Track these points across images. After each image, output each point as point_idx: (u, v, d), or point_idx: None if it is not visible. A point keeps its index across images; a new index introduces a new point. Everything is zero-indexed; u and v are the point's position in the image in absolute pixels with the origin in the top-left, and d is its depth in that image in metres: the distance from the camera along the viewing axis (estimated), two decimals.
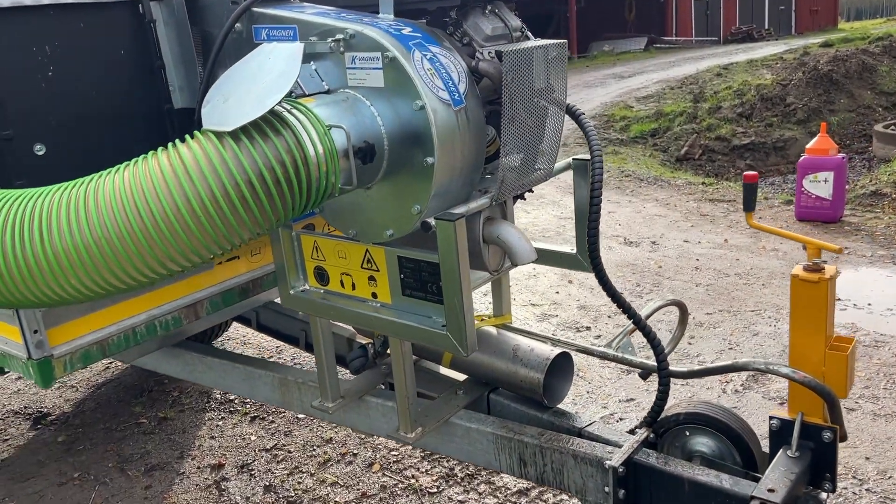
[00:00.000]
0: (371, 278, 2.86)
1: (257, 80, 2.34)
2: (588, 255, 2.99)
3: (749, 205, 2.81)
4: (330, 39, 2.58)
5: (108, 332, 2.97)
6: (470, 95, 2.61)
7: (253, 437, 5.10)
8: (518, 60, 2.57)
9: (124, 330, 3.02)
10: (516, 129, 2.64)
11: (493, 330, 3.34)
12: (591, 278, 7.68)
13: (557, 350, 3.13)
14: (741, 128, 15.99)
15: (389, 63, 2.48)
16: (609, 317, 6.40)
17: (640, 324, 3.06)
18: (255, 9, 2.84)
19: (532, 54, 2.64)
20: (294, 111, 2.38)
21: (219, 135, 2.25)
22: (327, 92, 2.67)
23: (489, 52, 2.64)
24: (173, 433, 5.30)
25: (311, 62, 2.68)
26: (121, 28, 2.92)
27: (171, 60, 3.05)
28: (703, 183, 11.43)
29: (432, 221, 2.51)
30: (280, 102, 2.35)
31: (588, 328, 6.20)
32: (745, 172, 2.94)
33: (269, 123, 2.30)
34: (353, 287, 2.94)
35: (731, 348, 5.67)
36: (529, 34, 2.94)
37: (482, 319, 3.44)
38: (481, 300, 5.73)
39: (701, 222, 9.31)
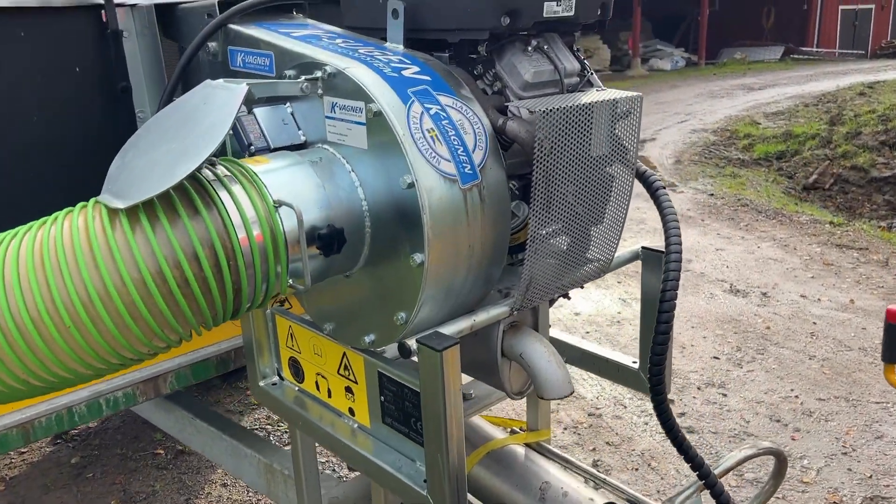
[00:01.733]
0: (348, 389, 2.16)
1: (180, 135, 1.68)
2: (650, 379, 2.17)
3: (890, 354, 1.93)
4: (305, 77, 1.88)
5: (33, 414, 2.41)
6: (490, 166, 1.85)
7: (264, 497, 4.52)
8: (560, 123, 1.80)
9: (57, 410, 2.45)
10: (555, 212, 1.87)
11: (520, 451, 2.58)
12: (678, 324, 6.62)
13: (602, 501, 2.34)
14: (883, 158, 14.27)
15: (374, 118, 1.76)
16: (699, 388, 5.46)
17: (711, 484, 2.22)
18: (230, 26, 2.18)
19: (586, 114, 1.86)
20: (231, 180, 1.70)
21: (111, 212, 1.60)
22: (302, 146, 1.98)
23: (525, 106, 1.87)
24: (186, 472, 4.81)
25: (288, 103, 1.99)
26: (76, 39, 2.33)
27: (139, 81, 2.44)
28: (832, 223, 10.08)
29: (413, 344, 1.78)
30: (206, 165, 1.68)
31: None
32: (889, 307, 2.03)
33: (186, 198, 1.63)
34: (329, 394, 2.24)
35: (845, 453, 4.64)
36: (594, 79, 2.15)
37: (510, 432, 2.68)
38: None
39: (824, 273, 8.09)
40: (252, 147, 1.93)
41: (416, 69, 1.91)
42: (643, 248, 2.34)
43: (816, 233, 9.42)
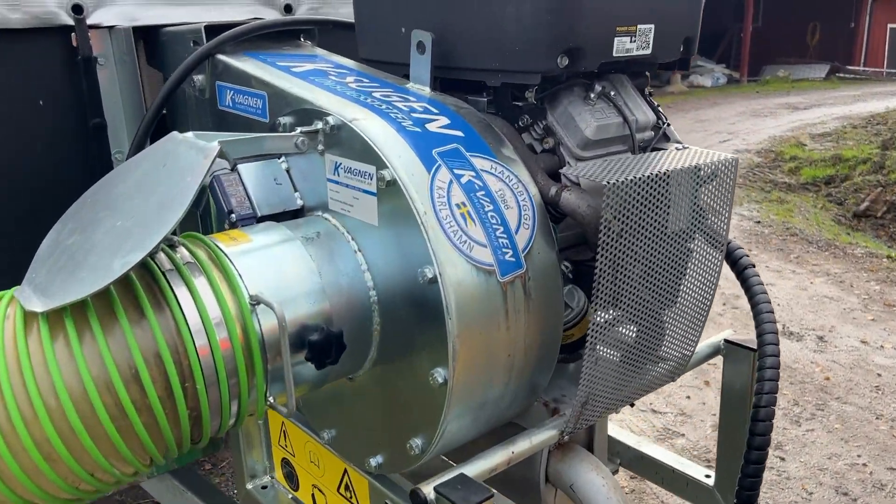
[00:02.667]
0: None
1: (130, 207, 1.26)
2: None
3: None
4: (301, 130, 1.45)
5: None
6: (538, 250, 1.41)
7: None
8: (633, 198, 1.35)
9: None
10: (623, 308, 1.42)
11: None
12: None
13: None
14: None
15: (387, 188, 1.33)
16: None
17: None
18: (219, 56, 1.76)
19: (663, 184, 1.41)
20: (193, 268, 1.28)
21: (28, 314, 1.18)
22: (298, 212, 1.56)
23: (585, 173, 1.42)
24: None
25: (283, 157, 1.57)
26: (39, 67, 1.94)
27: (116, 116, 2.04)
28: (889, 257, 9.45)
29: (430, 494, 1.33)
30: (163, 246, 1.26)
31: None
32: None
33: (128, 296, 1.21)
34: None
35: None
36: (671, 132, 1.69)
37: None
38: None
39: (886, 315, 7.48)
40: (233, 215, 1.51)
41: (445, 121, 1.48)
42: (726, 341, 1.87)
43: (873, 268, 8.80)
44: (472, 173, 1.39)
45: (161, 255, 1.28)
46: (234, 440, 2.00)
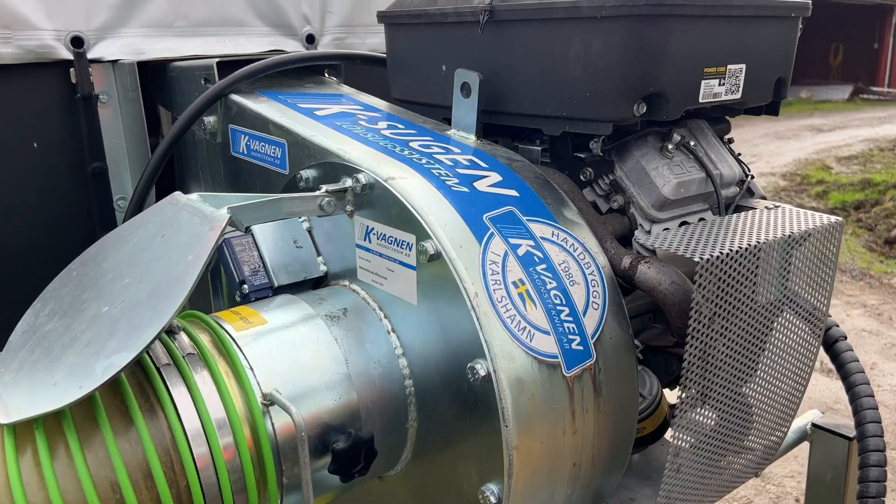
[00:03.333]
0: None
1: (120, 291, 1.03)
2: None
3: None
4: (327, 188, 1.22)
5: None
6: (610, 333, 1.17)
7: None
8: (730, 275, 1.11)
9: None
10: (711, 403, 1.18)
11: None
12: None
13: None
14: None
15: (430, 263, 1.10)
16: (797, 501, 4.62)
17: None
18: (232, 97, 1.55)
19: (758, 254, 1.17)
20: (194, 361, 1.05)
21: None
22: (321, 280, 1.33)
23: (668, 244, 1.18)
24: None
25: (303, 217, 1.35)
26: (34, 106, 1.73)
27: (119, 160, 1.83)
28: None
29: None
30: (156, 342, 1.04)
31: None
32: None
33: (114, 400, 0.99)
34: None
35: None
36: (756, 186, 1.45)
37: None
38: None
39: None
40: (245, 286, 1.28)
41: (497, 177, 1.24)
42: (814, 425, 1.61)
43: None
44: (531, 242, 1.16)
45: (157, 346, 1.05)
46: None
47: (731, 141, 1.48)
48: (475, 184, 1.21)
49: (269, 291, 1.30)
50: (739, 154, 1.48)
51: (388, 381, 1.18)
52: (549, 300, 1.12)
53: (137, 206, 1.58)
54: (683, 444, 1.18)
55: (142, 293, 1.00)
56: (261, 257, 1.30)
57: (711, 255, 1.09)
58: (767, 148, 19.89)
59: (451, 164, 1.25)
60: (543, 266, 1.15)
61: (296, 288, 1.32)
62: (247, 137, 1.51)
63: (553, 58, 1.23)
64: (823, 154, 18.64)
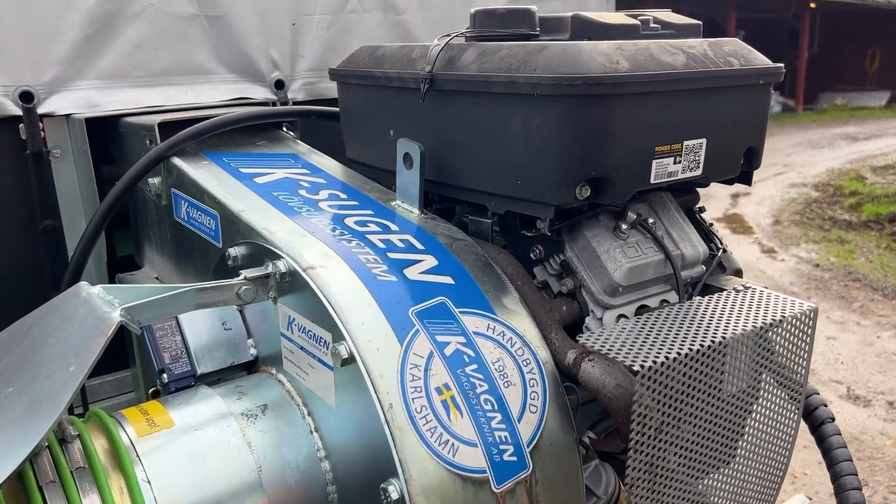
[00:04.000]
0: None
1: (2, 397, 0.95)
2: None
3: None
4: (246, 275, 1.13)
5: None
6: (549, 439, 1.06)
7: None
8: (680, 380, 1.00)
9: None
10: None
11: None
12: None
13: None
14: None
15: (343, 367, 1.01)
16: None
17: None
18: (173, 160, 1.47)
19: (720, 354, 1.05)
20: (83, 477, 0.97)
21: None
22: (251, 365, 1.24)
23: (610, 344, 1.07)
24: None
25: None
26: None
27: (74, 217, 1.76)
28: None
29: None
30: (51, 431, 0.95)
31: None
32: None
33: None
34: None
35: None
36: (729, 260, 1.33)
37: None
38: None
39: None
40: (165, 375, 1.20)
41: (432, 262, 1.14)
42: None
43: None
44: (462, 339, 1.05)
45: (44, 460, 0.97)
46: None
47: (702, 210, 1.36)
48: (406, 271, 1.11)
49: (192, 380, 1.21)
50: (711, 224, 1.37)
51: (307, 488, 1.09)
52: (479, 407, 1.02)
53: (75, 273, 1.51)
54: None
55: (20, 407, 0.92)
56: (184, 343, 1.22)
57: (654, 363, 0.97)
58: (800, 157, 19.56)
59: (383, 246, 1.15)
60: (474, 367, 1.04)
61: (225, 373, 1.24)
62: (186, 204, 1.43)
63: (493, 134, 1.12)
64: (858, 164, 18.24)
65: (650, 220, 1.22)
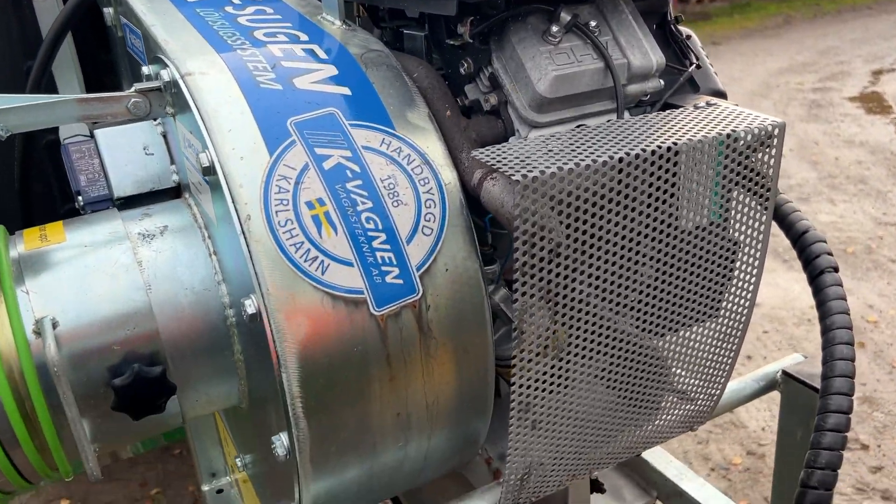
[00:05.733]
0: None
1: None
2: None
3: None
4: (138, 86, 1.07)
5: None
6: (446, 263, 0.97)
7: None
8: (585, 198, 0.87)
9: None
10: (586, 342, 0.97)
11: None
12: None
13: None
14: None
15: (210, 178, 0.94)
16: None
17: None
18: None
19: (654, 167, 0.90)
20: None
21: None
22: (174, 191, 1.20)
23: (505, 158, 0.93)
24: None
25: (159, 119, 1.21)
26: None
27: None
28: None
29: None
30: None
31: None
32: None
33: None
34: None
35: None
36: (708, 78, 1.14)
37: None
38: None
39: None
40: (80, 197, 1.17)
41: (331, 71, 1.03)
42: (784, 372, 1.33)
43: None
44: (347, 153, 0.95)
45: None
46: (191, 434, 1.74)
47: (678, 20, 1.16)
48: (296, 79, 1.01)
49: (109, 204, 1.18)
50: (689, 37, 1.17)
51: (202, 311, 1.04)
52: (359, 225, 0.93)
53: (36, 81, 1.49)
54: (529, 395, 0.97)
55: None
56: (102, 166, 1.18)
57: (539, 174, 0.84)
58: (877, 48, 16.81)
59: (280, 55, 1.05)
60: (357, 182, 0.94)
61: (147, 200, 1.20)
62: (128, 31, 1.36)
63: None
64: None
65: (592, 24, 1.04)
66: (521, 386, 0.96)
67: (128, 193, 1.18)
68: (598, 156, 0.89)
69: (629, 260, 0.97)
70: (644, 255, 0.98)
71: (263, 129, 0.94)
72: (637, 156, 0.91)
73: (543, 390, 0.99)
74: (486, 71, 1.07)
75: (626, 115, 1.10)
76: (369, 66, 1.05)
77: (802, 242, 1.26)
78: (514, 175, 0.84)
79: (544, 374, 0.98)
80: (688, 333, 1.11)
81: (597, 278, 0.95)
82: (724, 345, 1.15)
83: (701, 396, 1.23)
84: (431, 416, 1.02)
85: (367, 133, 0.98)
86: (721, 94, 1.18)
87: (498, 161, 0.89)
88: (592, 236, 0.92)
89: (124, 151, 1.20)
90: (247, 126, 0.94)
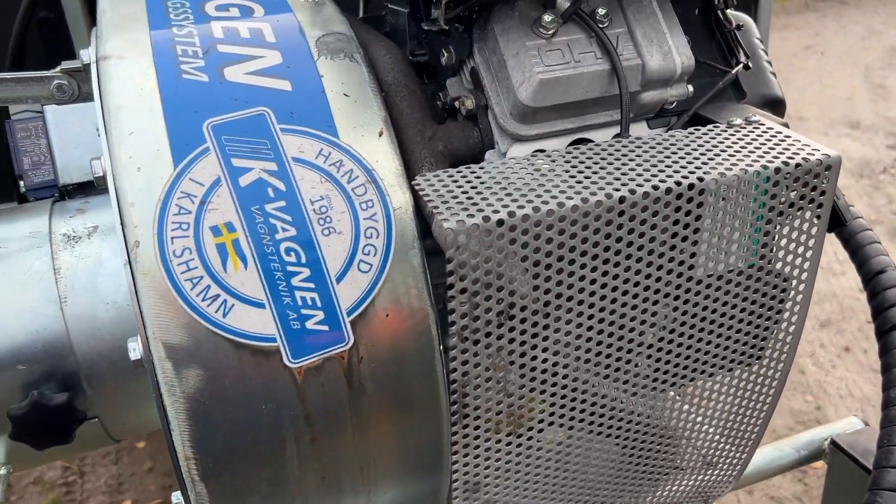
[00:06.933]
0: None
1: None
2: None
3: None
4: (65, 65, 0.93)
5: None
6: (384, 311, 0.79)
7: None
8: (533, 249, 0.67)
9: None
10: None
11: None
12: None
13: None
14: None
15: (104, 189, 0.79)
16: None
17: None
18: None
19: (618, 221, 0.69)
20: None
21: None
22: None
23: (438, 189, 0.74)
24: None
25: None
26: None
27: (72, 7, 1.63)
28: None
29: None
30: None
31: None
32: None
33: None
34: None
35: None
36: (767, 84, 0.90)
37: None
38: None
39: None
40: (22, 184, 1.05)
41: (274, 60, 0.85)
42: (833, 442, 1.09)
43: None
44: (272, 166, 0.78)
45: None
46: None
47: (727, 4, 0.91)
48: (227, 69, 0.83)
49: (55, 191, 1.05)
50: (739, 27, 0.91)
51: (122, 329, 0.91)
52: (276, 257, 0.76)
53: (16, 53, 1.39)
54: (483, 476, 0.80)
55: None
56: (49, 147, 1.05)
57: (479, 220, 0.64)
58: None
59: (221, 35, 0.87)
60: (280, 204, 0.77)
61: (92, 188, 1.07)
62: None
63: None
64: None
65: (601, 12, 0.81)
66: (466, 464, 0.78)
67: (74, 180, 1.06)
68: (582, 194, 0.68)
69: (621, 323, 0.76)
70: (644, 312, 0.78)
71: (172, 133, 0.78)
72: (647, 194, 0.70)
73: (498, 469, 0.81)
74: (468, 64, 0.86)
75: (644, 129, 0.87)
76: (323, 53, 0.87)
77: (875, 285, 1.01)
78: (446, 220, 0.65)
79: (498, 451, 0.80)
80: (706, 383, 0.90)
81: (568, 344, 0.75)
82: (754, 395, 0.93)
83: (721, 461, 1.02)
84: (368, 479, 0.86)
85: (301, 141, 0.80)
86: (777, 103, 0.93)
87: (435, 194, 0.70)
88: (560, 296, 0.72)
89: (75, 132, 1.06)
90: (153, 128, 0.78)
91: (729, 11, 0.93)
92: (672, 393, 0.91)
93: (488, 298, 0.69)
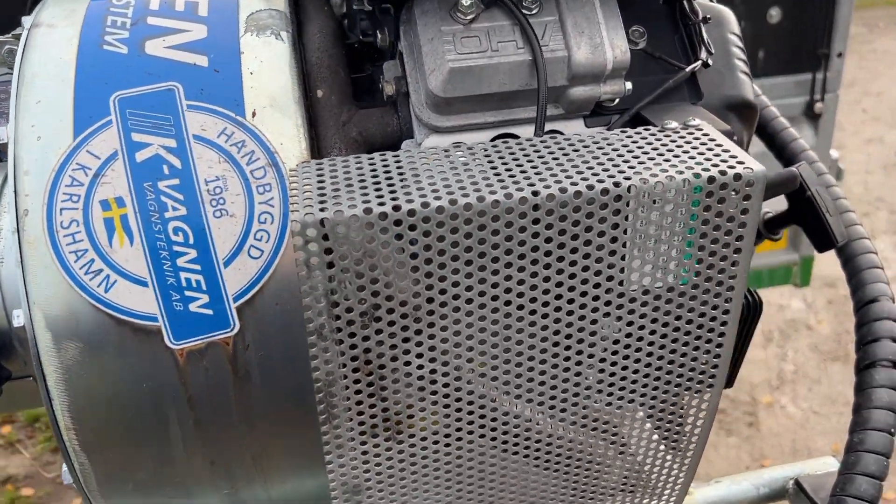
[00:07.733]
0: None
1: None
2: None
3: None
4: (15, 31, 0.95)
5: None
6: (275, 299, 0.76)
7: None
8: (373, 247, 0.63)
9: None
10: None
11: None
12: None
13: None
14: None
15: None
16: None
17: None
18: None
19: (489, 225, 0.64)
20: None
21: None
22: None
23: (300, 184, 0.70)
24: None
25: None
26: None
27: None
28: None
29: None
30: None
31: None
32: None
33: None
34: None
35: None
36: (736, 85, 0.81)
37: None
38: None
39: None
40: None
41: (198, 34, 0.83)
42: (797, 483, 0.98)
43: None
44: (171, 143, 0.76)
45: None
46: None
47: (705, 20, 0.82)
48: (149, 42, 0.82)
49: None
50: (706, 18, 0.82)
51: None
52: (163, 235, 0.75)
53: None
54: (362, 479, 0.76)
55: None
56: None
57: (330, 213, 0.60)
58: None
59: (155, 8, 0.86)
60: (173, 182, 0.76)
61: None
62: None
63: None
64: None
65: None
66: (342, 465, 0.75)
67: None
68: (481, 191, 0.63)
69: (519, 337, 0.71)
70: (545, 329, 0.72)
71: (78, 104, 0.77)
72: (552, 196, 0.64)
73: (380, 474, 0.77)
74: (398, 48, 0.81)
75: (581, 127, 0.80)
76: (249, 29, 0.84)
77: (864, 314, 0.91)
78: (293, 213, 0.61)
79: (378, 455, 0.76)
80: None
81: (458, 354, 0.70)
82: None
83: (661, 486, 0.95)
84: (261, 468, 0.84)
85: (205, 119, 0.78)
86: (744, 106, 0.83)
87: (306, 183, 0.66)
88: (445, 302, 0.67)
89: None
90: (60, 99, 0.78)
91: (701, 2, 0.84)
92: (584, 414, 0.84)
93: (346, 299, 0.65)
